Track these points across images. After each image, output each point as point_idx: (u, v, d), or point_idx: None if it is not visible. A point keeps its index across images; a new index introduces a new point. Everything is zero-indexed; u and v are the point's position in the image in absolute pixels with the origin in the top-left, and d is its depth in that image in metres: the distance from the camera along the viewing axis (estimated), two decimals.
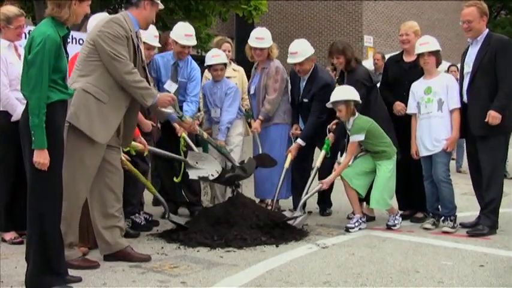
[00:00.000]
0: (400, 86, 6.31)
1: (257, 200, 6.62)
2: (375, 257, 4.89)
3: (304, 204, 6.22)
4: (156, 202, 6.98)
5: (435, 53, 5.95)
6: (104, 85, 4.43)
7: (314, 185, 6.20)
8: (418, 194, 6.23)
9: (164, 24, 11.86)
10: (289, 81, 6.86)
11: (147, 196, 6.25)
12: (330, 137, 6.23)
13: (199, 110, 6.80)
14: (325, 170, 6.22)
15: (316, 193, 6.73)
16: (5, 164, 5.26)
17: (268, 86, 6.67)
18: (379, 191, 5.85)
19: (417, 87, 6.05)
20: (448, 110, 5.86)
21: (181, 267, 4.53)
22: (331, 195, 6.89)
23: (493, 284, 4.23)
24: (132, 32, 4.54)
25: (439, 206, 5.99)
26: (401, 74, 6.41)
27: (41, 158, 3.77)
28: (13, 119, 5.18)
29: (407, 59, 6.44)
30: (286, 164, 6.41)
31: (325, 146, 6.18)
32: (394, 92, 6.39)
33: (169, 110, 5.00)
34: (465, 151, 6.30)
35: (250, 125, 7.03)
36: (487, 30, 5.79)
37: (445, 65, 9.78)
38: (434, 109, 5.89)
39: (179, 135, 6.07)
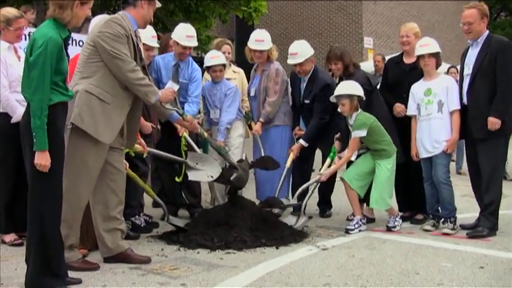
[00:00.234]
0: (400, 88, 6.31)
1: (257, 202, 6.61)
2: (374, 258, 4.89)
3: (305, 207, 6.21)
4: (156, 204, 6.98)
5: (435, 55, 5.96)
6: (106, 85, 4.44)
7: (315, 193, 6.24)
8: (418, 196, 6.23)
9: (164, 25, 11.87)
10: (289, 83, 6.86)
11: (147, 198, 6.24)
12: (337, 145, 6.23)
13: (199, 112, 6.79)
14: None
15: (317, 194, 6.77)
16: (5, 165, 5.26)
17: (268, 88, 6.68)
18: (378, 191, 5.85)
19: (417, 89, 6.06)
20: (448, 112, 5.86)
21: (181, 269, 4.53)
22: (331, 197, 6.89)
23: (493, 285, 4.23)
24: (131, 31, 4.55)
25: (439, 208, 5.99)
26: (401, 75, 6.42)
27: (42, 159, 3.77)
28: (13, 120, 5.19)
29: (407, 60, 6.44)
30: (288, 163, 6.43)
31: (331, 154, 6.17)
32: (394, 94, 6.40)
33: (170, 106, 5.01)
34: (465, 153, 6.30)
35: (250, 127, 7.03)
36: (487, 31, 5.79)
37: (444, 66, 9.76)
38: (435, 111, 5.89)
39: (180, 134, 6.06)
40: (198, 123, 6.81)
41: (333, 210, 6.86)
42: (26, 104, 3.99)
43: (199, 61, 6.67)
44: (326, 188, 6.78)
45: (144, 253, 4.88)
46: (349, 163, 6.20)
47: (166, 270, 4.51)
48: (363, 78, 6.28)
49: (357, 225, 5.86)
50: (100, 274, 4.38)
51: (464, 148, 6.47)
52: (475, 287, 4.20)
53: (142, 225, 5.80)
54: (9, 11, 5.43)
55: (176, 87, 6.20)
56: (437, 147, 5.86)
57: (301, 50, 6.48)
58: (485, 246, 5.31)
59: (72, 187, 4.30)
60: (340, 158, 6.08)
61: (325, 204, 6.83)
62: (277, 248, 5.18)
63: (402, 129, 6.16)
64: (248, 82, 7.16)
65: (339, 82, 6.30)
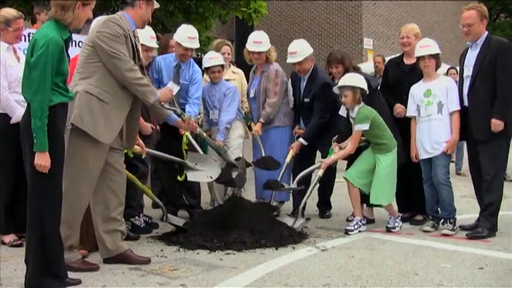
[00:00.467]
0: (401, 89, 6.31)
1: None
2: (374, 259, 4.89)
3: (304, 207, 6.21)
4: (155, 205, 6.98)
5: (435, 56, 5.96)
6: (106, 86, 4.45)
7: (315, 191, 6.22)
8: (418, 197, 6.23)
9: (164, 26, 11.87)
10: (289, 83, 6.87)
11: (147, 199, 6.24)
12: (334, 147, 6.22)
13: (199, 113, 6.79)
14: (326, 175, 6.24)
15: (317, 195, 6.77)
16: (5, 166, 5.26)
17: (268, 89, 6.69)
18: (378, 186, 5.85)
19: (416, 90, 6.06)
20: (448, 113, 5.87)
21: (180, 270, 4.53)
22: (331, 198, 6.89)
23: (493, 286, 4.23)
24: (129, 31, 4.56)
25: (439, 209, 5.99)
26: (401, 76, 6.42)
27: (42, 160, 3.78)
28: (12, 121, 5.19)
29: (407, 61, 6.45)
30: (288, 159, 6.45)
31: (329, 155, 6.17)
32: (395, 94, 6.40)
33: (168, 106, 5.01)
34: (464, 153, 6.31)
35: (250, 128, 7.03)
36: (487, 33, 5.79)
37: (444, 67, 9.77)
38: (434, 112, 5.89)
39: (182, 133, 6.05)
40: (198, 123, 6.84)
41: (332, 211, 6.86)
42: (25, 104, 4.00)
43: (199, 62, 6.68)
44: (326, 189, 6.79)
45: (143, 254, 4.88)
46: (350, 162, 6.21)
47: (166, 270, 4.51)
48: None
49: (356, 226, 5.85)
50: (100, 275, 4.38)
51: (463, 149, 6.48)
52: (474, 287, 4.21)
53: (142, 226, 5.80)
54: (9, 12, 5.43)
55: (177, 88, 6.20)
56: (437, 148, 5.86)
57: (300, 49, 6.50)
58: (485, 247, 5.31)
59: (72, 188, 4.31)
60: (341, 148, 6.08)
61: (324, 205, 6.83)
62: (276, 248, 5.18)
63: (403, 130, 6.16)
64: (247, 83, 7.17)
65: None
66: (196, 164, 5.85)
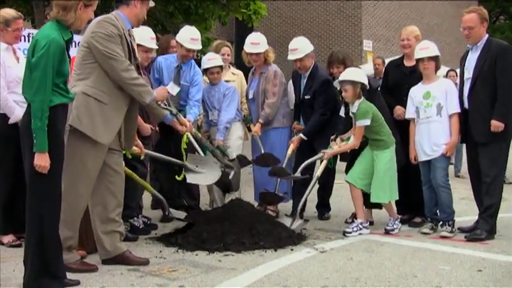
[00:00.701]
0: (401, 90, 6.32)
1: (256, 204, 6.61)
2: (373, 261, 4.89)
3: (303, 209, 6.22)
4: (154, 206, 6.98)
5: (434, 58, 5.97)
6: (103, 86, 4.45)
7: (314, 192, 6.22)
8: (417, 199, 6.23)
9: (164, 27, 11.88)
10: (289, 84, 6.89)
11: (146, 200, 6.25)
12: (333, 145, 6.22)
13: (199, 115, 6.80)
14: (325, 177, 6.24)
15: (316, 197, 6.77)
16: (4, 166, 5.25)
17: (267, 90, 6.70)
18: (378, 184, 5.85)
19: (416, 92, 6.06)
20: (447, 115, 5.87)
21: (179, 271, 4.52)
22: (330, 200, 6.89)
23: None
24: (124, 31, 4.56)
25: (438, 211, 5.99)
26: (401, 78, 6.43)
27: (42, 161, 3.78)
28: (11, 121, 5.20)
29: (407, 63, 6.46)
30: (289, 151, 6.49)
31: None
32: (395, 96, 6.40)
33: (163, 106, 5.01)
34: (464, 156, 6.31)
35: (249, 129, 7.04)
36: (487, 35, 5.80)
37: (443, 69, 9.77)
38: (434, 114, 5.90)
39: (182, 133, 6.02)
40: (197, 125, 6.84)
41: (331, 213, 6.86)
42: (24, 104, 4.00)
43: (198, 63, 6.69)
44: (325, 190, 6.79)
45: (142, 255, 4.88)
46: (349, 164, 6.21)
47: (165, 272, 4.50)
48: None
49: (355, 228, 5.85)
50: (98, 276, 4.37)
51: (462, 151, 6.48)
52: None
53: (140, 227, 5.80)
54: (8, 12, 5.43)
55: (177, 89, 6.21)
56: (437, 151, 5.86)
57: (301, 46, 6.53)
58: (484, 250, 5.31)
59: (71, 188, 4.31)
60: (342, 140, 6.09)
61: (323, 207, 6.83)
62: (275, 250, 5.18)
63: (403, 132, 6.16)
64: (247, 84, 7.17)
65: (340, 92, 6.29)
66: (197, 166, 5.85)
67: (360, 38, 21.08)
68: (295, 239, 5.51)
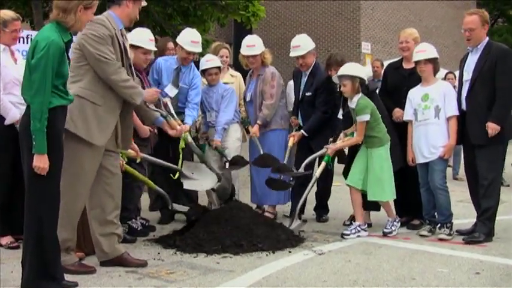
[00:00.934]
0: (400, 93, 6.32)
1: (254, 206, 6.62)
2: (371, 263, 4.89)
3: (302, 210, 6.22)
4: (152, 207, 6.97)
5: (432, 61, 5.97)
6: (96, 87, 4.46)
7: (312, 194, 6.22)
8: (415, 201, 6.23)
9: (162, 29, 11.88)
10: (289, 84, 6.91)
11: (144, 202, 6.25)
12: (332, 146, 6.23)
13: (197, 117, 6.80)
14: (324, 179, 6.24)
15: (314, 199, 6.77)
16: (0, 167, 5.24)
17: (264, 92, 6.71)
18: (374, 182, 5.85)
19: (414, 94, 6.07)
20: (445, 118, 5.87)
21: (177, 273, 4.52)
22: (328, 202, 6.89)
23: None
24: (116, 31, 4.56)
25: (436, 213, 6.00)
26: (400, 80, 6.44)
27: (41, 162, 3.77)
28: (6, 122, 5.19)
29: (406, 66, 6.46)
30: (290, 144, 6.56)
31: (325, 157, 6.17)
32: (394, 99, 6.41)
33: (153, 107, 5.00)
34: (462, 158, 6.30)
35: (247, 131, 7.04)
36: (487, 38, 5.81)
37: (442, 72, 9.77)
38: (431, 116, 5.90)
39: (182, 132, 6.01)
40: (196, 127, 6.85)
41: (329, 215, 6.86)
42: (21, 106, 3.99)
43: (196, 65, 6.69)
44: (323, 192, 6.79)
45: (140, 257, 4.88)
46: (347, 166, 6.22)
47: (163, 274, 4.50)
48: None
49: (353, 231, 5.85)
50: (96, 278, 4.37)
51: (461, 153, 6.48)
52: None
53: (139, 229, 5.79)
54: (6, 13, 5.44)
55: (175, 91, 6.23)
56: (434, 153, 5.86)
57: (303, 43, 6.58)
58: (482, 252, 5.31)
59: (69, 190, 4.30)
60: (346, 134, 6.10)
61: (322, 209, 6.84)
62: (273, 252, 5.17)
63: (402, 135, 6.17)
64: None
65: (339, 88, 6.30)
66: (192, 173, 5.83)
67: (359, 40, 21.08)
68: (293, 241, 5.51)
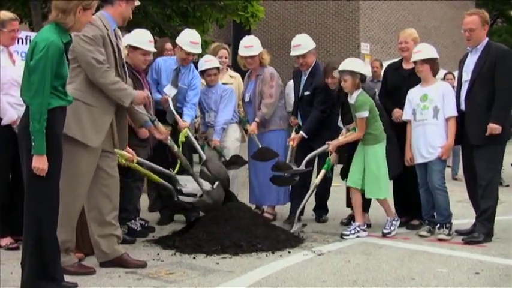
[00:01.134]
0: (399, 93, 6.31)
1: (253, 207, 6.62)
2: (370, 264, 4.89)
3: (302, 212, 6.21)
4: (152, 208, 6.97)
5: (429, 61, 5.95)
6: (90, 88, 4.48)
7: (311, 198, 6.24)
8: (414, 202, 6.23)
9: (161, 30, 11.89)
10: (288, 84, 6.91)
11: (143, 202, 6.24)
12: (332, 158, 6.21)
13: (196, 117, 6.81)
14: (323, 180, 6.25)
15: (313, 199, 6.77)
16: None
17: (263, 92, 6.72)
18: (371, 180, 5.86)
19: (413, 94, 6.07)
20: (444, 118, 5.87)
21: (177, 274, 4.53)
22: (328, 202, 6.89)
23: None
24: (108, 31, 4.56)
25: (435, 214, 6.00)
26: (400, 81, 6.43)
27: (40, 163, 3.77)
28: (3, 122, 5.20)
29: (406, 66, 6.46)
30: (291, 148, 6.53)
31: (325, 165, 6.15)
32: (394, 99, 6.40)
33: (142, 110, 4.97)
34: (461, 158, 6.30)
35: (246, 132, 7.05)
36: (487, 39, 5.80)
37: (441, 72, 9.78)
38: (430, 116, 5.90)
39: (181, 129, 5.97)
40: (195, 127, 6.84)
41: (329, 216, 6.86)
42: (18, 107, 3.99)
43: (195, 65, 6.69)
44: (322, 193, 6.79)
45: (140, 257, 4.88)
46: (345, 167, 6.22)
47: (162, 274, 4.51)
48: None
49: (353, 231, 5.85)
50: (96, 278, 4.38)
51: (460, 154, 6.47)
52: None
53: (138, 230, 5.80)
54: (4, 14, 5.45)
55: (174, 91, 6.22)
56: (433, 153, 5.86)
57: (303, 42, 6.60)
58: (481, 252, 5.31)
59: (67, 191, 4.29)
60: (348, 130, 6.12)
61: (321, 209, 6.83)
62: (273, 252, 5.18)
63: (401, 135, 6.17)
64: None
65: (338, 92, 6.30)
66: (186, 185, 5.77)
67: (358, 41, 21.10)
68: (292, 241, 5.51)
